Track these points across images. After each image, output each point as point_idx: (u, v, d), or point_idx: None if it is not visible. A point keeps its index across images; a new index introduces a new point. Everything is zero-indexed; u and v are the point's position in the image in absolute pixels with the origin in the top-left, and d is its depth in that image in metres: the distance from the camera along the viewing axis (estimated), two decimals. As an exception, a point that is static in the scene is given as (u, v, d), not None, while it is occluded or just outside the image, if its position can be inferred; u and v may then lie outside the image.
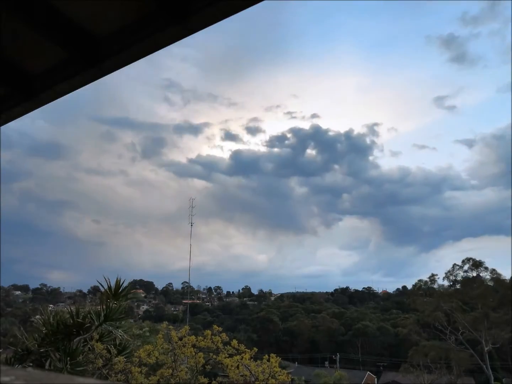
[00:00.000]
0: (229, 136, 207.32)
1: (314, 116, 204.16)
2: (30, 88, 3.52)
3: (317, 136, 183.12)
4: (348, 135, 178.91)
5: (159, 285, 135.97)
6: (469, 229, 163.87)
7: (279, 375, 7.00)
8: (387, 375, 56.83)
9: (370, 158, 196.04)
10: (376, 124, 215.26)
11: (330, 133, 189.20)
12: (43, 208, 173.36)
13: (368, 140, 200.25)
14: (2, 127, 4.01)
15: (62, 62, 3.29)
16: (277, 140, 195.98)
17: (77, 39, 3.04)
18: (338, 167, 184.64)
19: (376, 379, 57.19)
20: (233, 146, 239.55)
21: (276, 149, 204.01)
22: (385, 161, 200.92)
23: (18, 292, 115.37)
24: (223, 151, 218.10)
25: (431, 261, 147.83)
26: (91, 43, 3.06)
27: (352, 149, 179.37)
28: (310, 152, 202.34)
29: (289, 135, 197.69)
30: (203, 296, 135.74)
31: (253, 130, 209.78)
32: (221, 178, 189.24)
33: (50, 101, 3.60)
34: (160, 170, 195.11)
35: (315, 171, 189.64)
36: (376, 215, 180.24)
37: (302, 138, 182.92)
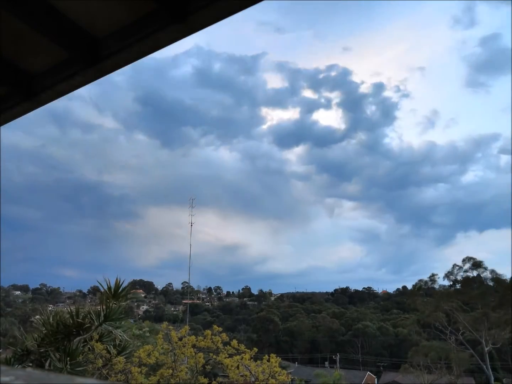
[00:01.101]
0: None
1: (346, 49, 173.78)
2: (30, 88, 3.51)
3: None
4: (379, 85, 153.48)
5: (159, 285, 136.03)
6: (494, 219, 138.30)
7: (279, 375, 7.00)
8: (387, 375, 56.79)
9: (390, 128, 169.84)
10: (421, 68, 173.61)
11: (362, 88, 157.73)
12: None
13: (396, 98, 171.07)
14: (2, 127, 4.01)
15: (62, 62, 3.29)
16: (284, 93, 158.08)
17: (77, 39, 3.04)
18: (356, 135, 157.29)
19: (376, 379, 57.14)
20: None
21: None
22: (407, 133, 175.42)
23: (17, 292, 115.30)
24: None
25: (445, 256, 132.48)
26: (91, 43, 3.06)
27: (379, 110, 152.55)
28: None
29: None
30: (203, 296, 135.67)
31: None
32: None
33: (50, 101, 3.59)
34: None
35: (327, 141, 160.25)
36: (388, 200, 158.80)
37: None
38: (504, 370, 55.79)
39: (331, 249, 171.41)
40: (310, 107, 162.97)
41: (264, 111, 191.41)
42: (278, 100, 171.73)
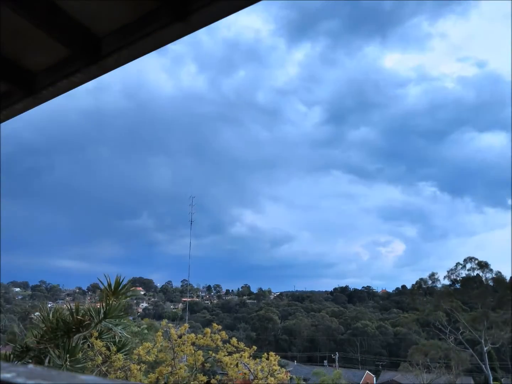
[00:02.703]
0: None
1: None
2: (31, 85, 3.52)
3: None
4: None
5: (159, 283, 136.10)
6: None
7: (278, 374, 7.02)
8: (386, 374, 56.89)
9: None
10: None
11: None
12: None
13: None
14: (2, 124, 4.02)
15: (64, 60, 3.30)
16: None
17: (79, 36, 3.04)
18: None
19: (375, 378, 57.26)
20: None
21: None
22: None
23: (17, 289, 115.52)
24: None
25: (464, 250, 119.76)
26: (93, 40, 3.06)
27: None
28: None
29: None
30: (202, 294, 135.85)
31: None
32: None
33: (51, 98, 3.60)
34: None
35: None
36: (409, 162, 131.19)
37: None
38: (503, 370, 55.88)
39: (332, 241, 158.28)
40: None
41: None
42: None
